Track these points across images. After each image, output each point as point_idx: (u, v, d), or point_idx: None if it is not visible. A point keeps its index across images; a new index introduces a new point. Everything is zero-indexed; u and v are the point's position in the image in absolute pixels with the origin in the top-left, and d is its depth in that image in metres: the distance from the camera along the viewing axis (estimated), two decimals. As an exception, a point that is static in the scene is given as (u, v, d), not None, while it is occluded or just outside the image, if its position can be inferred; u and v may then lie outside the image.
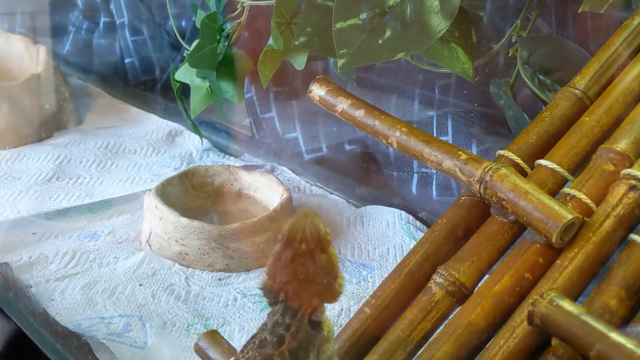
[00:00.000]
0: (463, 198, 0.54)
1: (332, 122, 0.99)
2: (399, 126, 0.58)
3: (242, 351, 0.43)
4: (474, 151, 0.82)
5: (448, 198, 0.85)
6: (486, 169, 0.51)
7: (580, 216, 0.48)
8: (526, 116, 0.65)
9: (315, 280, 0.41)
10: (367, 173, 0.97)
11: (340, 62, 0.58)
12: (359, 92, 0.64)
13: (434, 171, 0.86)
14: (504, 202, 0.49)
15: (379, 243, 0.81)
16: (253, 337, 0.43)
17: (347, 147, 0.98)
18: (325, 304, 0.42)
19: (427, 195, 0.88)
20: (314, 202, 0.91)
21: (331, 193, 0.93)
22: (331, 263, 0.41)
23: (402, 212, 0.86)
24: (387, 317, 0.51)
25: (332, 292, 0.41)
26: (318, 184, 0.96)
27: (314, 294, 0.41)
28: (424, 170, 0.88)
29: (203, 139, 1.04)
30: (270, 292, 0.42)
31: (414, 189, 0.89)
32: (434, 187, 0.87)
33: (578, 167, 0.53)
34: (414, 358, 0.48)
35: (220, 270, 0.75)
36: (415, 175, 0.89)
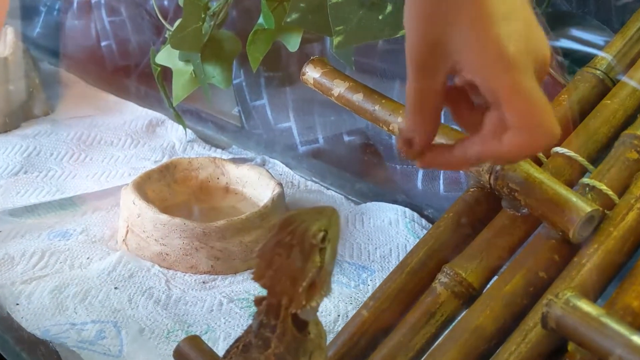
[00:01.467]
0: (472, 190, 0.54)
1: (329, 110, 0.99)
2: (401, 111, 0.58)
3: (225, 356, 0.43)
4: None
5: (456, 193, 0.85)
6: (497, 157, 0.51)
7: (601, 209, 0.48)
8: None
9: (284, 276, 0.42)
10: (368, 166, 0.96)
11: (337, 40, 0.59)
12: (358, 77, 0.64)
13: (442, 164, 0.86)
14: (516, 194, 0.49)
15: (380, 243, 0.81)
16: (237, 340, 0.43)
17: (346, 138, 0.98)
18: (314, 307, 0.43)
19: (434, 191, 0.88)
20: (309, 199, 0.91)
21: (328, 189, 0.93)
22: (303, 268, 0.41)
23: (406, 209, 0.86)
24: (387, 320, 0.51)
25: (296, 297, 0.42)
26: (314, 178, 0.96)
27: (285, 289, 0.42)
28: (430, 163, 0.88)
29: (187, 129, 1.04)
30: (256, 274, 0.42)
31: (419, 184, 0.89)
32: (441, 181, 0.87)
33: (599, 155, 0.53)
34: (417, 366, 0.48)
35: (204, 273, 0.75)
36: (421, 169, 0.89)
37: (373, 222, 0.85)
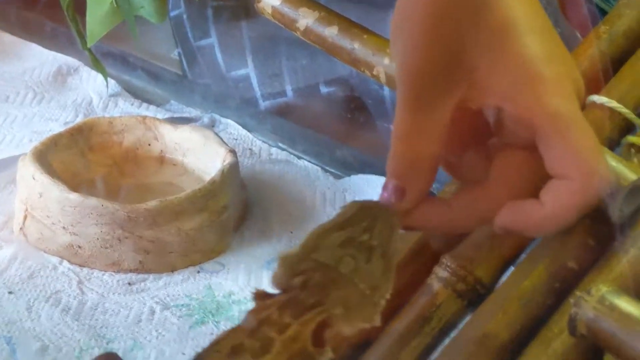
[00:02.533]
0: (481, 154, 0.55)
1: (300, 52, 0.99)
2: (389, 50, 0.58)
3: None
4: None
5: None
6: (513, 110, 0.51)
7: (650, 177, 0.48)
8: (578, 34, 0.66)
9: (350, 286, 0.42)
10: (353, 127, 0.97)
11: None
12: (333, 5, 0.64)
13: (450, 122, 0.87)
14: (538, 158, 0.50)
15: (368, 229, 0.82)
16: (216, 343, 0.42)
17: (324, 90, 0.98)
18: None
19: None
20: (274, 171, 0.91)
21: (299, 157, 0.94)
22: (384, 278, 0.43)
23: (403, 183, 0.86)
24: (367, 329, 0.51)
25: (363, 314, 0.42)
26: (280, 144, 0.96)
27: (342, 302, 0.42)
28: (434, 121, 0.88)
29: (108, 79, 1.03)
30: (288, 270, 0.42)
31: (420, 150, 0.90)
32: (449, 145, 0.88)
33: (649, 106, 0.53)
34: (407, 387, 0.49)
35: (130, 271, 0.76)
36: (423, 129, 0.89)
37: (359, 201, 0.86)
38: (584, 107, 0.54)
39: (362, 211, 0.44)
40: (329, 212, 0.85)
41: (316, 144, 0.95)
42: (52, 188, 0.76)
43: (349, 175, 0.90)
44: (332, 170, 0.91)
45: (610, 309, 0.43)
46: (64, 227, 0.76)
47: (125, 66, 1.09)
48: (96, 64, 1.00)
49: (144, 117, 0.88)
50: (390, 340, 0.50)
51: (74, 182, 0.80)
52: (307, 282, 0.43)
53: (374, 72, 0.59)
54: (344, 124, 0.98)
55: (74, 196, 0.75)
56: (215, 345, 0.42)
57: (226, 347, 0.42)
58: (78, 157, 0.85)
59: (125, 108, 1.02)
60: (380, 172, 0.88)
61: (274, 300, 0.43)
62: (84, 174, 0.84)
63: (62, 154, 0.83)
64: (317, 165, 0.92)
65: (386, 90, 0.91)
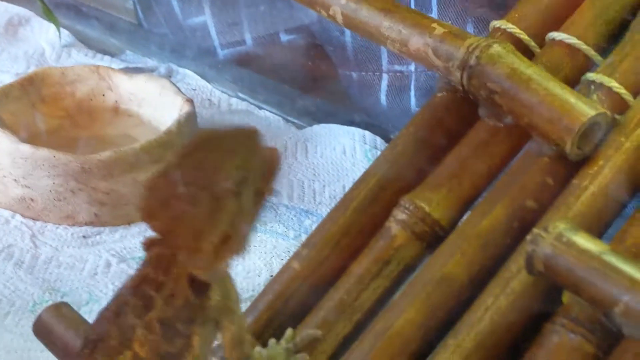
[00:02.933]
0: (439, 95, 0.55)
1: (259, -1, 0.98)
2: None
3: (95, 322, 0.43)
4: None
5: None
6: (471, 48, 0.51)
7: (609, 113, 0.49)
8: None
9: (184, 225, 0.42)
10: (314, 76, 0.96)
11: None
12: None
13: (413, 69, 0.87)
14: (496, 97, 0.50)
15: (330, 179, 0.82)
16: (114, 299, 0.43)
17: (284, 38, 0.98)
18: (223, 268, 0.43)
19: (403, 106, 0.88)
20: (234, 122, 0.91)
21: (260, 108, 0.93)
22: (212, 218, 0.41)
23: (366, 132, 0.86)
24: (326, 273, 0.52)
25: (201, 255, 0.42)
26: (240, 94, 0.96)
27: (184, 241, 0.42)
28: (397, 67, 0.88)
29: (61, 29, 1.02)
30: (147, 211, 0.42)
31: (383, 98, 0.90)
32: (412, 92, 0.88)
33: (610, 41, 0.53)
34: (366, 331, 0.49)
35: (85, 224, 0.75)
36: (385, 77, 0.89)
37: (321, 151, 0.86)
38: (543, 44, 0.54)
39: (194, 146, 0.42)
40: (290, 163, 0.85)
41: (277, 94, 0.95)
42: (2, 139, 0.75)
43: (311, 125, 0.90)
44: (294, 120, 0.91)
45: (568, 246, 0.43)
46: (15, 180, 0.75)
47: (79, 16, 1.08)
48: (48, 14, 0.99)
49: (97, 67, 0.87)
50: (349, 284, 0.51)
51: (25, 134, 0.79)
52: (159, 229, 0.42)
53: (330, 13, 0.58)
54: (305, 72, 0.97)
55: (24, 147, 0.75)
56: (111, 302, 0.43)
57: (116, 305, 0.43)
58: (29, 108, 0.84)
59: (79, 59, 1.01)
60: (342, 121, 0.89)
61: (152, 253, 0.43)
62: (35, 126, 0.83)
63: (12, 105, 0.82)
64: (278, 115, 0.92)
65: (348, 37, 0.91)
